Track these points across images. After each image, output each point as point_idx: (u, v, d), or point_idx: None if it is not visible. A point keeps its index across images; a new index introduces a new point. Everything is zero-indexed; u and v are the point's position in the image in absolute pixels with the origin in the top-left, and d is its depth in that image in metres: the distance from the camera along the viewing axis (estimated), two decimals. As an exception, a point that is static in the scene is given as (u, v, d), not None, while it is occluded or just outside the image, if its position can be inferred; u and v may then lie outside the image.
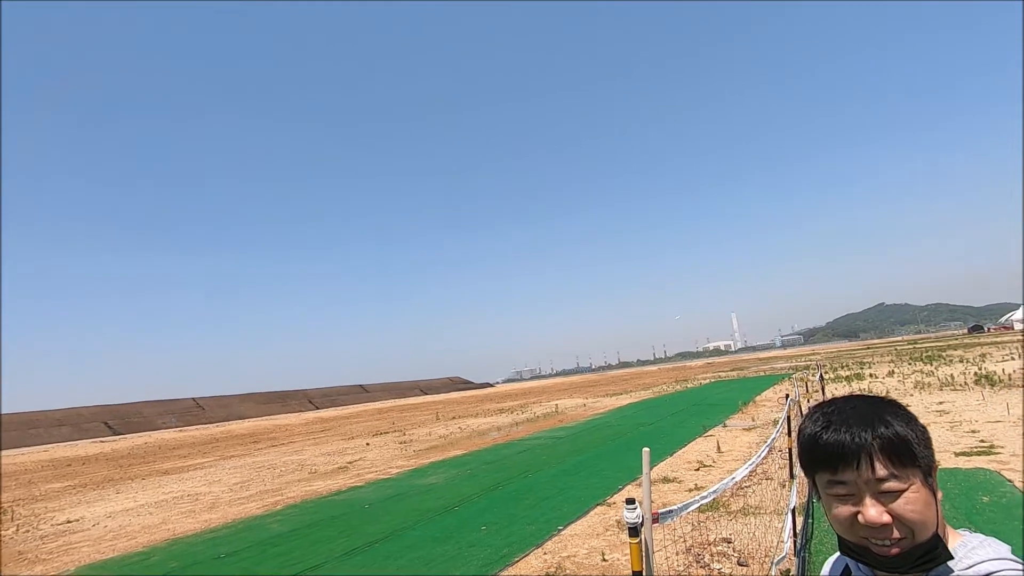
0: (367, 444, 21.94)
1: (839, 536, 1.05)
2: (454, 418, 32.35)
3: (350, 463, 16.43)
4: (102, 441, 64.48)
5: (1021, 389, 15.85)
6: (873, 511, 0.95)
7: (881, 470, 0.96)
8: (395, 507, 9.59)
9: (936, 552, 0.95)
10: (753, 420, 15.99)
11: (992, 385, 17.60)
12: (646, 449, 2.47)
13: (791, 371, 40.55)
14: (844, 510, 1.00)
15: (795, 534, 5.39)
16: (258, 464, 19.54)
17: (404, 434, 24.76)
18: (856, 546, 1.00)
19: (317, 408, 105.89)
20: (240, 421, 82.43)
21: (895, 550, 0.95)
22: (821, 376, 19.05)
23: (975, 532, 1.02)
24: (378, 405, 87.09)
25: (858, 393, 1.11)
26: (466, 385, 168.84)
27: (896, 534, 0.95)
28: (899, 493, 0.95)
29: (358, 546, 7.41)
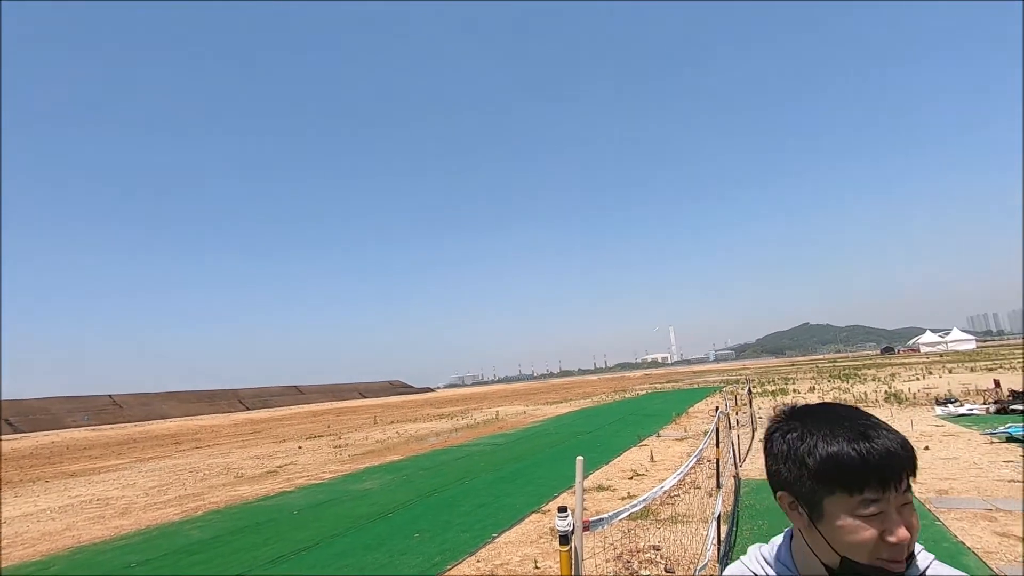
0: (299, 448, 21.17)
1: (845, 559, 0.93)
2: (392, 422, 31.76)
3: (280, 467, 15.79)
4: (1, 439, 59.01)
5: (930, 407, 17.19)
6: (903, 529, 0.90)
7: (908, 484, 0.93)
8: (326, 513, 9.28)
9: (913, 557, 0.95)
10: (685, 431, 16.58)
11: (899, 403, 19.03)
12: (579, 458, 2.52)
13: (722, 384, 42.35)
14: (870, 533, 0.91)
15: (719, 541, 5.61)
16: (179, 467, 18.46)
17: (339, 438, 24.06)
18: (869, 568, 0.91)
19: (248, 409, 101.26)
20: (162, 421, 77.65)
21: (903, 566, 0.91)
22: (749, 390, 19.99)
23: None
24: (313, 407, 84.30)
25: (830, 400, 1.09)
26: (407, 389, 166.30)
27: (908, 549, 0.92)
28: (910, 505, 0.93)
29: (284, 554, 7.12)
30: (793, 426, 1.02)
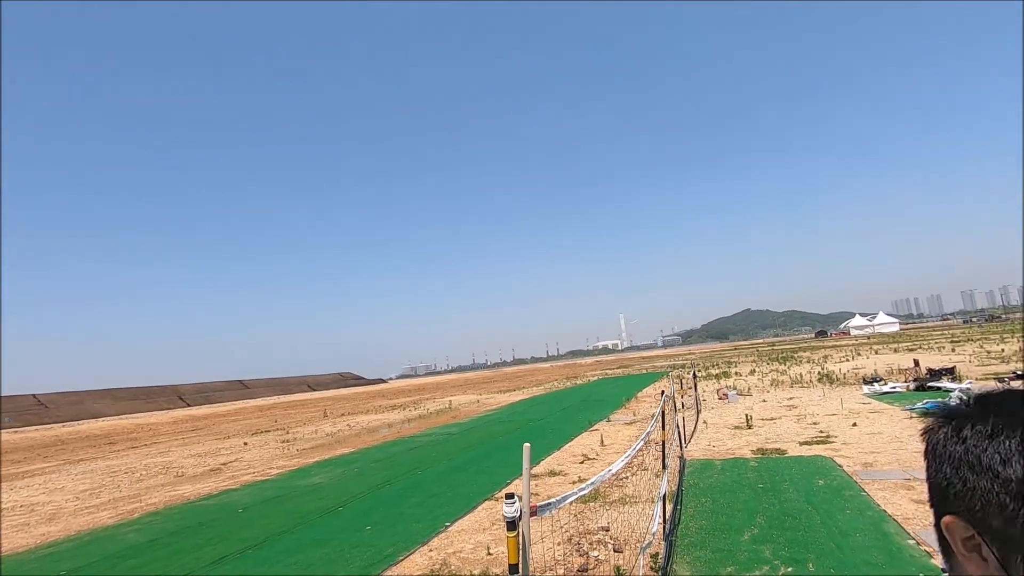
0: (245, 444, 20.47)
1: None
2: (343, 415, 31.18)
3: (224, 464, 15.23)
4: (-92, 446, 54.15)
5: (861, 386, 18.34)
6: None
7: None
8: (273, 510, 9.03)
9: None
10: (634, 415, 17.05)
11: (831, 383, 20.22)
12: (527, 445, 2.54)
13: (669, 369, 43.76)
14: None
15: (664, 520, 5.82)
16: (113, 468, 17.50)
17: (287, 432, 23.42)
18: None
19: (188, 405, 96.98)
20: (94, 420, 73.27)
21: None
22: (694, 374, 20.75)
23: None
24: (259, 402, 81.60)
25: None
26: (357, 381, 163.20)
27: None
28: None
29: (228, 553, 6.88)
30: (1000, 425, 0.64)
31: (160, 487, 12.58)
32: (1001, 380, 13.52)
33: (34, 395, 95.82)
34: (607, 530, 6.31)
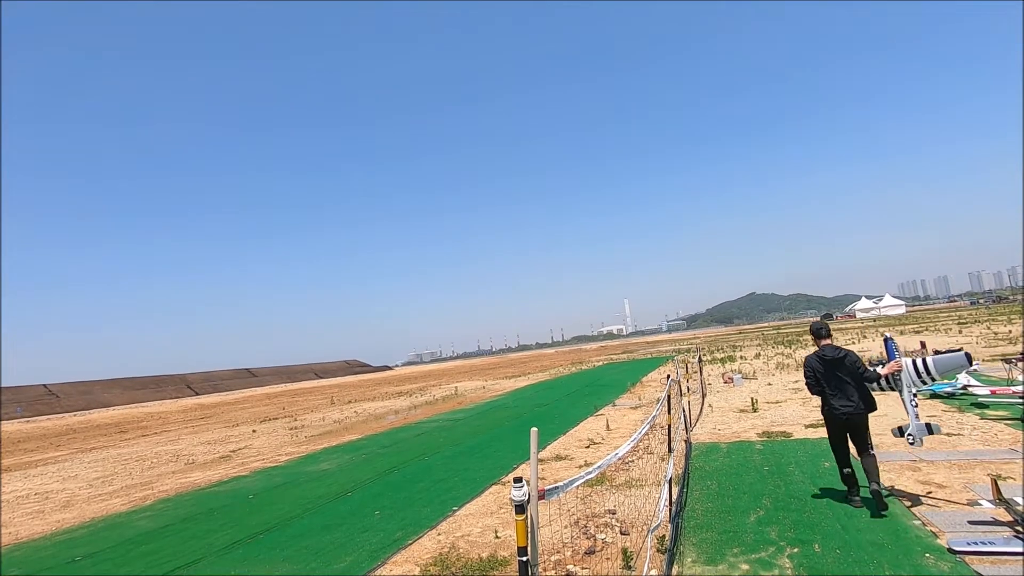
0: (253, 431, 20.69)
1: None
2: (350, 402, 31.43)
3: (233, 452, 15.41)
4: (-77, 436, 54.98)
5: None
6: None
7: None
8: (283, 496, 9.15)
9: None
10: (640, 399, 17.10)
11: (837, 366, 20.15)
12: (534, 429, 2.54)
13: (674, 354, 43.78)
14: None
15: (671, 503, 5.85)
16: (124, 456, 17.75)
17: (295, 420, 23.65)
18: None
19: (197, 394, 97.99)
20: (104, 409, 74.20)
21: None
22: (699, 358, 20.77)
23: None
24: (267, 390, 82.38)
25: None
26: (364, 368, 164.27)
27: None
28: None
29: (240, 539, 6.98)
30: None
31: (171, 474, 12.75)
32: (1008, 361, 13.44)
33: (44, 385, 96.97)
34: (614, 513, 6.36)
